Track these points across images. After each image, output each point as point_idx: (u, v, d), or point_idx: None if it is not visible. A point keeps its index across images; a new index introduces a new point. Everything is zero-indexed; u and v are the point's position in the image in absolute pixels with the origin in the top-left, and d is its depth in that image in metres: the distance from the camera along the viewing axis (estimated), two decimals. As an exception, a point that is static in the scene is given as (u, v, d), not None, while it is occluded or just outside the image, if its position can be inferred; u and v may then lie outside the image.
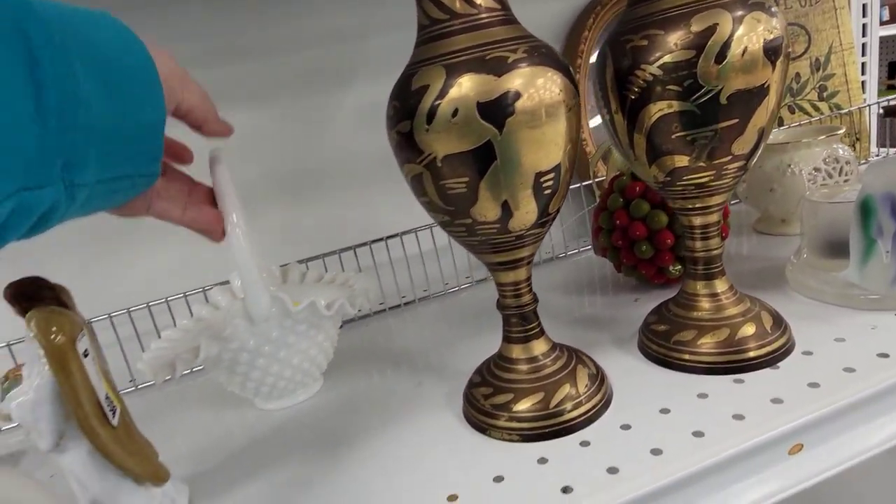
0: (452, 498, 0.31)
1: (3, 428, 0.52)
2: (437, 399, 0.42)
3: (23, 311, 0.29)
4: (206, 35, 0.58)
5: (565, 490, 0.30)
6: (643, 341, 0.42)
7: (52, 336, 0.28)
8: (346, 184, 0.66)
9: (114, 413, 0.31)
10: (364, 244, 0.61)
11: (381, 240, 0.62)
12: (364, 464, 0.36)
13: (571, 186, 0.36)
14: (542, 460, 0.33)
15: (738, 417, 0.32)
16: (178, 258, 0.61)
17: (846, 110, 0.75)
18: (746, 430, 0.31)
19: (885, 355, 0.35)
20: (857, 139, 0.76)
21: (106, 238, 0.59)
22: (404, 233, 0.62)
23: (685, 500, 0.30)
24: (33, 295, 0.29)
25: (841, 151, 0.56)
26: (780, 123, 0.76)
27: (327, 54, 0.62)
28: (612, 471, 0.30)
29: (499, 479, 0.32)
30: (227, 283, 0.53)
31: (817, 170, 0.55)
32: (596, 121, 0.72)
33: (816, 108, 0.77)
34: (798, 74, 0.77)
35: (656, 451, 0.31)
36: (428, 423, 0.39)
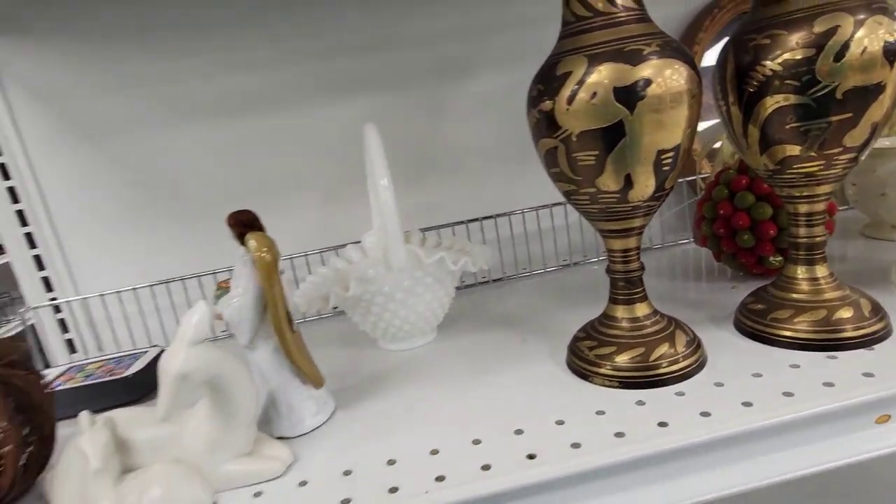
0: (560, 422, 0.37)
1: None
2: (541, 353, 0.48)
3: (240, 234, 0.38)
4: (350, 30, 0.66)
5: (661, 424, 0.34)
6: (739, 318, 0.45)
7: (264, 253, 0.36)
8: (458, 167, 0.73)
9: (293, 323, 0.40)
10: (475, 220, 0.68)
11: (491, 217, 0.68)
12: (476, 394, 0.43)
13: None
14: (640, 402, 0.37)
15: (829, 385, 0.36)
16: (313, 220, 0.71)
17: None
18: (836, 394, 0.34)
19: None
20: None
21: (260, 198, 0.69)
22: (512, 213, 0.68)
23: (774, 448, 0.34)
24: (248, 223, 0.38)
25: (964, 160, 0.56)
26: (901, 132, 0.74)
27: (450, 51, 0.69)
28: (705, 414, 0.35)
29: (600, 412, 0.37)
30: (358, 242, 0.61)
31: (935, 176, 0.55)
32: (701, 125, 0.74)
33: (943, 119, 0.74)
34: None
35: (747, 404, 0.35)
36: (533, 370, 0.45)
